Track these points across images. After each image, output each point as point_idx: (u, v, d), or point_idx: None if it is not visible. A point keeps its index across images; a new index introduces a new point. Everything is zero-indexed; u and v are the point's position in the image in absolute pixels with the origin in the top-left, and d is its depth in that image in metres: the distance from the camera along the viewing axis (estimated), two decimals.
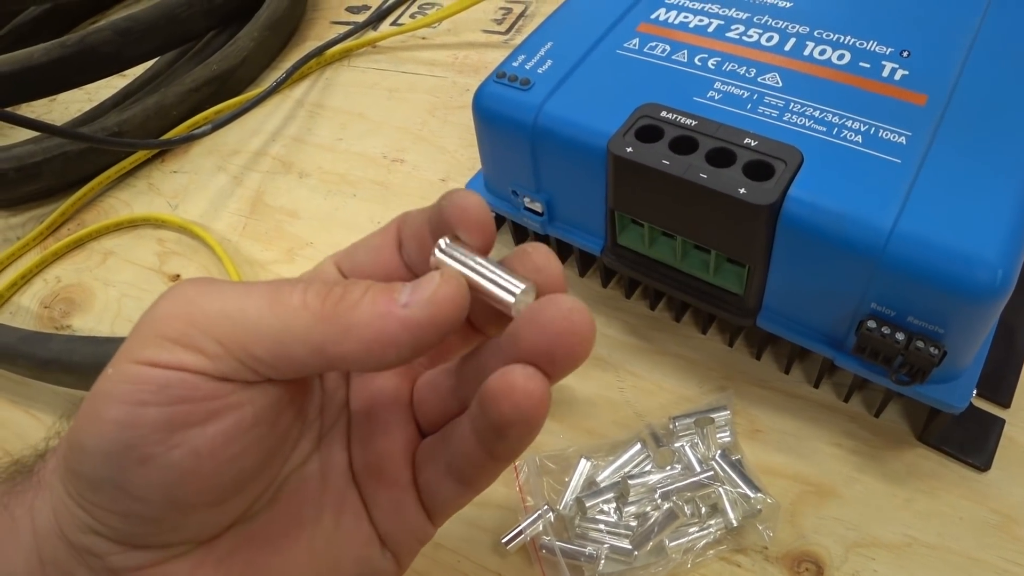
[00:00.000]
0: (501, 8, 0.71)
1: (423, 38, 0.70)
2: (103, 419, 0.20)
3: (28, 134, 0.64)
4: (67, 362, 0.45)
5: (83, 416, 0.20)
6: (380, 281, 0.22)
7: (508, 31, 0.68)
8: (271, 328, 0.20)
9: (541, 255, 0.23)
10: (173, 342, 0.20)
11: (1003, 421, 0.38)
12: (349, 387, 0.27)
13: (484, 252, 0.23)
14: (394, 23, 0.73)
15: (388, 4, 0.74)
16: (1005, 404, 0.38)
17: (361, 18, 0.74)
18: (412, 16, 0.73)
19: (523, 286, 0.22)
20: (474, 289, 0.22)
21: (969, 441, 0.37)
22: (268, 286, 0.21)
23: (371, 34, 0.71)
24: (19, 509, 0.22)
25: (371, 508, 0.26)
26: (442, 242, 0.23)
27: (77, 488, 0.21)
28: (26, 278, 0.57)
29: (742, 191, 0.33)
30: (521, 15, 0.69)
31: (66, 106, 0.75)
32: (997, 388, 0.38)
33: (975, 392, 0.35)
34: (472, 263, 0.22)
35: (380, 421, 0.26)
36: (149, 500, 0.20)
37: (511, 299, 0.22)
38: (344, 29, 0.71)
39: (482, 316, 0.25)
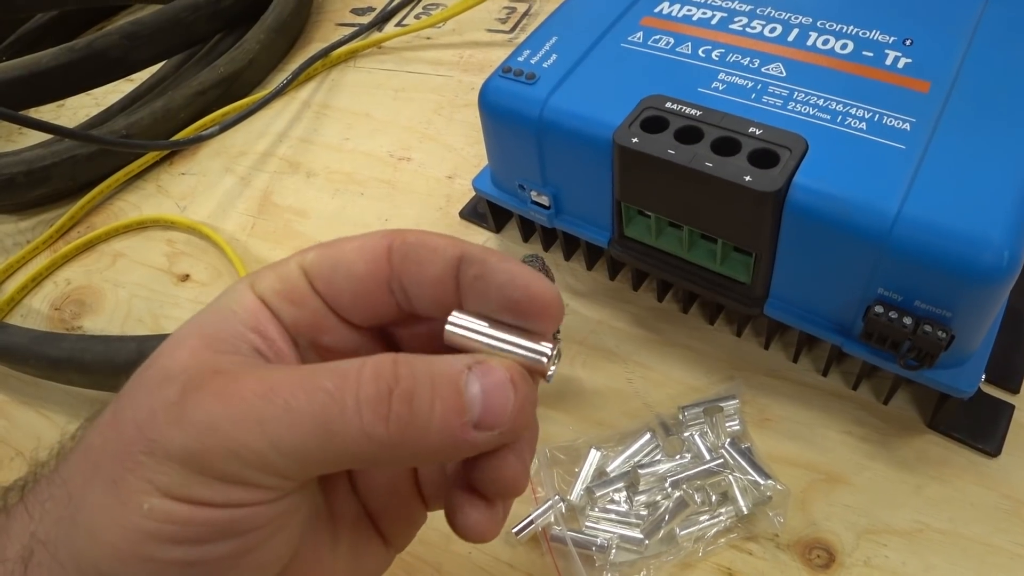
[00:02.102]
0: (505, 7, 0.71)
1: (428, 38, 0.70)
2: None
3: (37, 139, 0.65)
4: (79, 361, 0.46)
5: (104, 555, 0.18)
6: (364, 316, 0.22)
7: (512, 30, 0.68)
8: (329, 459, 0.19)
9: (541, 288, 0.21)
10: (218, 480, 0.18)
11: (1013, 407, 0.38)
12: None
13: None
14: (399, 24, 0.73)
15: (393, 5, 0.74)
16: (1015, 390, 0.38)
17: (366, 20, 0.74)
18: (417, 17, 0.73)
19: (550, 351, 0.21)
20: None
21: (979, 427, 0.37)
22: (309, 398, 0.18)
23: (376, 35, 0.72)
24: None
25: (378, 522, 0.25)
26: (455, 314, 0.22)
27: None
28: (36, 281, 0.58)
29: (747, 179, 0.33)
30: (525, 14, 0.69)
31: (74, 111, 0.75)
32: (1006, 374, 0.38)
33: (984, 378, 0.35)
34: (494, 338, 0.21)
35: None
36: None
37: (545, 368, 0.21)
38: (349, 31, 0.72)
39: None
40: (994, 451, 0.36)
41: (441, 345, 0.22)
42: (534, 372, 0.21)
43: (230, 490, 0.18)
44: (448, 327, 0.21)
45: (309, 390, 0.18)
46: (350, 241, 0.22)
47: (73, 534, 0.18)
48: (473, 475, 0.22)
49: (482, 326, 0.21)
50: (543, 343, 0.21)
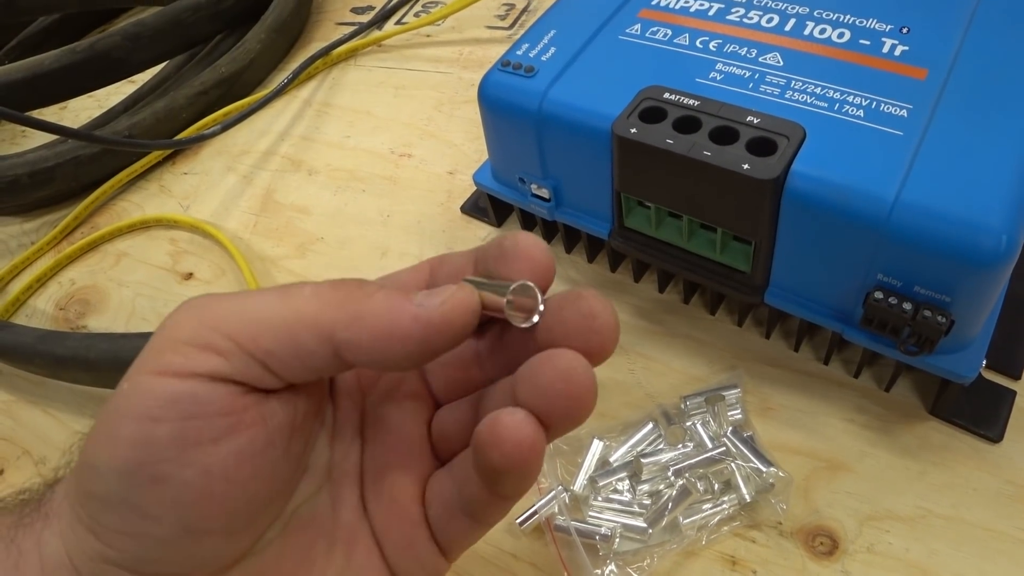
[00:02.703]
0: (504, 4, 0.71)
1: (427, 36, 0.71)
2: (116, 437, 0.20)
3: (40, 140, 0.65)
4: (84, 359, 0.46)
5: (96, 434, 0.20)
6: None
7: (511, 26, 0.68)
8: (281, 318, 0.20)
9: (524, 241, 0.22)
10: (185, 343, 0.20)
11: (1014, 393, 0.38)
12: (363, 419, 0.26)
13: (543, 292, 0.22)
14: (398, 22, 0.73)
15: (392, 4, 0.75)
16: (1016, 376, 0.38)
17: (366, 18, 0.75)
18: (416, 15, 0.74)
19: (513, 285, 0.22)
20: (489, 307, 0.22)
21: (981, 413, 0.37)
22: (279, 287, 0.22)
23: (376, 33, 0.72)
24: (27, 542, 0.21)
25: (383, 543, 0.25)
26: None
27: (89, 511, 0.20)
28: (41, 281, 0.58)
29: (746, 167, 0.33)
30: (524, 10, 0.70)
31: (76, 113, 0.76)
32: (1008, 361, 0.38)
33: (985, 364, 0.35)
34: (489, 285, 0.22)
35: (393, 453, 0.25)
36: (162, 520, 0.20)
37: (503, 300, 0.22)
38: (349, 29, 0.72)
39: (501, 353, 0.24)
40: (996, 437, 0.36)
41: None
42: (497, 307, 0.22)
43: (208, 357, 0.20)
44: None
45: (282, 285, 0.22)
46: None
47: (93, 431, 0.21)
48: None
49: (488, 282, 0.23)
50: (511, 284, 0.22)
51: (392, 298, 0.21)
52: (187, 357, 0.20)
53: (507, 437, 0.20)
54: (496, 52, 0.65)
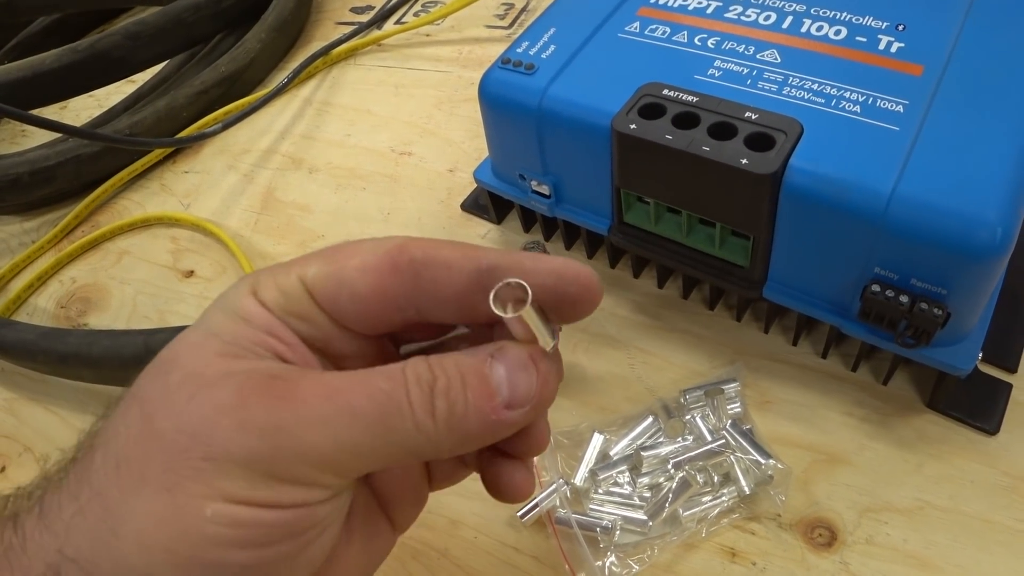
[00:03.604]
0: (503, 3, 0.72)
1: (427, 35, 0.71)
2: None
3: (41, 139, 0.65)
4: (86, 356, 0.46)
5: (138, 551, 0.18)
6: (372, 328, 0.22)
7: (511, 25, 0.68)
8: (385, 454, 0.20)
9: (588, 274, 0.22)
10: (283, 481, 0.19)
11: (1010, 385, 0.38)
12: None
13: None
14: (398, 22, 0.74)
15: (392, 3, 0.75)
16: (1012, 369, 0.39)
17: (365, 18, 0.75)
18: (416, 14, 0.74)
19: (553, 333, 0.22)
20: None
21: (978, 406, 0.37)
22: (369, 399, 0.19)
23: (376, 33, 0.72)
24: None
25: (386, 505, 0.26)
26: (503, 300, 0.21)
27: None
28: (42, 279, 0.58)
29: (744, 162, 0.33)
30: (523, 9, 0.70)
31: (77, 113, 0.76)
32: (1004, 353, 0.39)
33: (981, 357, 0.35)
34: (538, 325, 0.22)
35: None
36: None
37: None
38: (349, 29, 0.72)
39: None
40: (993, 429, 0.37)
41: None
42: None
43: (294, 491, 0.19)
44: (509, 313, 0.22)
45: (368, 392, 0.19)
46: (350, 255, 0.22)
47: (115, 546, 0.18)
48: (507, 443, 0.23)
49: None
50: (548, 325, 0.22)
51: (483, 411, 0.21)
52: (272, 491, 0.19)
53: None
54: (495, 51, 0.66)
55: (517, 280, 0.21)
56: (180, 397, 0.19)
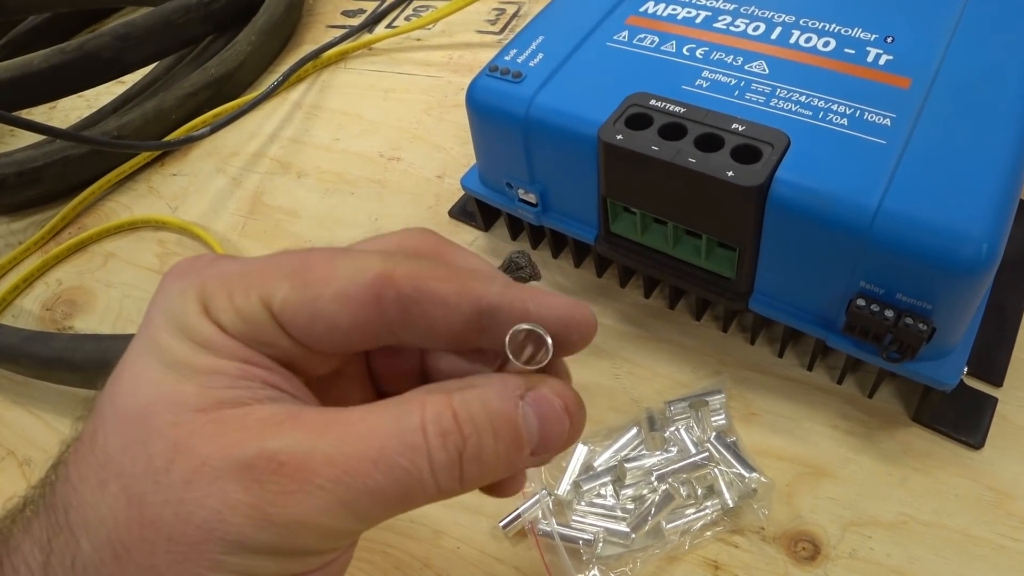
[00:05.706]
0: (495, 9, 0.71)
1: (418, 39, 0.71)
2: None
3: (28, 140, 0.65)
4: (70, 360, 0.46)
5: None
6: (347, 351, 0.21)
7: (502, 31, 0.68)
8: (401, 513, 0.20)
9: (586, 315, 0.22)
10: (291, 555, 0.19)
11: (996, 400, 0.38)
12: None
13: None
14: (389, 26, 0.73)
15: (383, 7, 0.75)
16: (997, 383, 0.39)
17: (356, 21, 0.75)
18: (407, 18, 0.74)
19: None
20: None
21: (963, 420, 0.37)
22: (388, 477, 0.19)
23: (367, 37, 0.72)
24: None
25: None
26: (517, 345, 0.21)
27: None
28: (28, 281, 0.58)
29: (730, 174, 0.33)
30: (514, 15, 0.70)
31: (66, 113, 0.76)
32: (989, 367, 0.39)
33: (967, 371, 0.35)
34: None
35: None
36: None
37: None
38: (340, 32, 0.72)
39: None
40: (978, 443, 0.37)
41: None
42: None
43: (319, 558, 0.20)
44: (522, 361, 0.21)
45: (386, 469, 0.18)
46: (326, 281, 0.20)
47: None
48: None
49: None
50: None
51: (513, 461, 0.20)
52: (300, 563, 0.20)
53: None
54: (486, 56, 0.65)
55: (534, 327, 0.20)
56: (173, 480, 0.18)
